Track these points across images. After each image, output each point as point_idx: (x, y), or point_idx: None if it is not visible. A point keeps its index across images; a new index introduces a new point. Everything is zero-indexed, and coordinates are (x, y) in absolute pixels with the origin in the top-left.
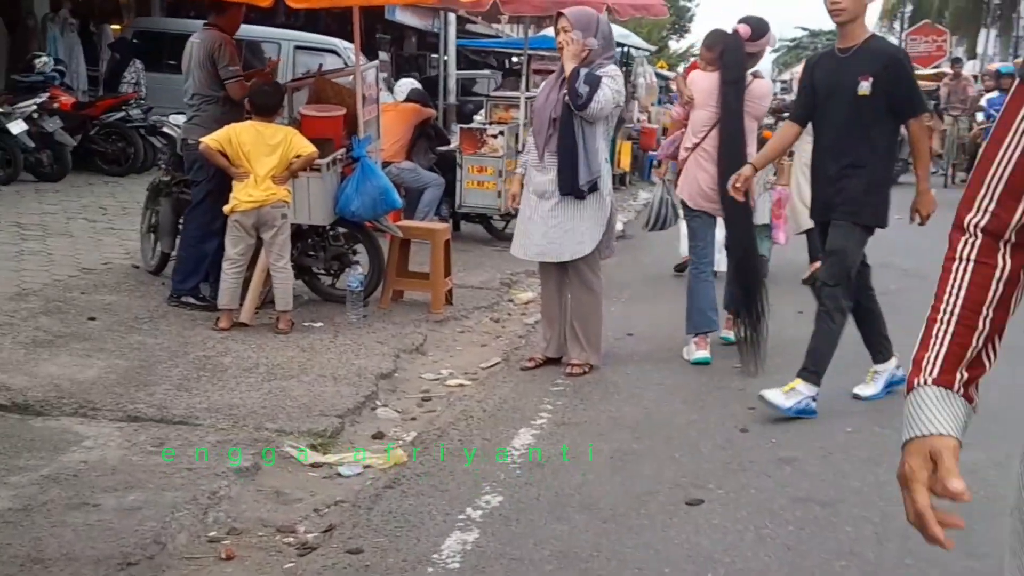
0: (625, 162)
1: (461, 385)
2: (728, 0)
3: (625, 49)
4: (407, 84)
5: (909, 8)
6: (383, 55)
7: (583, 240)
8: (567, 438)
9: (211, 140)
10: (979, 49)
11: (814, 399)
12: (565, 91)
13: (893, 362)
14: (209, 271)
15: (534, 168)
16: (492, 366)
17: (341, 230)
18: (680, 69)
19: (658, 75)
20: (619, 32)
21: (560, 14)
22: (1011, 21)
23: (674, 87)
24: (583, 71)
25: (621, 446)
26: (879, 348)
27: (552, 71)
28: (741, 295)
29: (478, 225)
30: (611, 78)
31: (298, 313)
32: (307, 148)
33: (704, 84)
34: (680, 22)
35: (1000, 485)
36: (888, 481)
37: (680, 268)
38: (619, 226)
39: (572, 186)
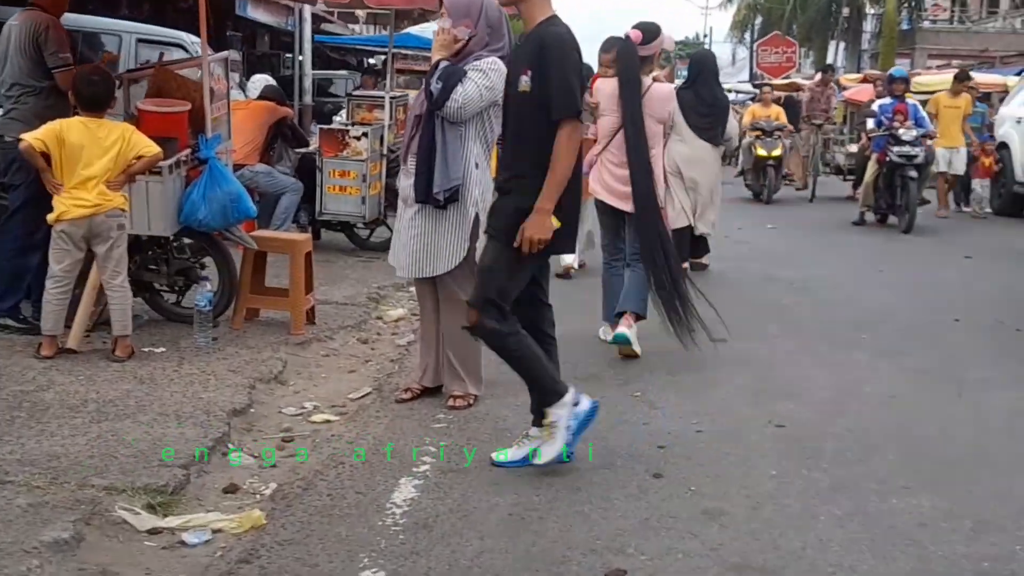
0: (493, 169)
1: (328, 421)
2: (580, 9)
3: None
4: (261, 80)
5: (759, 20)
6: (234, 53)
7: (441, 256)
8: (456, 490)
9: (34, 138)
10: (828, 60)
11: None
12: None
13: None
14: (32, 288)
15: (403, 171)
16: (362, 397)
17: (187, 241)
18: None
19: None
20: None
21: None
22: (859, 35)
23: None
24: (443, 64)
25: (520, 499)
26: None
27: (416, 71)
28: (665, 291)
29: (340, 234)
30: (482, 72)
31: (137, 336)
32: (150, 148)
33: (607, 90)
34: None
35: (956, 541)
36: (831, 539)
37: (560, 275)
38: None
39: (426, 193)
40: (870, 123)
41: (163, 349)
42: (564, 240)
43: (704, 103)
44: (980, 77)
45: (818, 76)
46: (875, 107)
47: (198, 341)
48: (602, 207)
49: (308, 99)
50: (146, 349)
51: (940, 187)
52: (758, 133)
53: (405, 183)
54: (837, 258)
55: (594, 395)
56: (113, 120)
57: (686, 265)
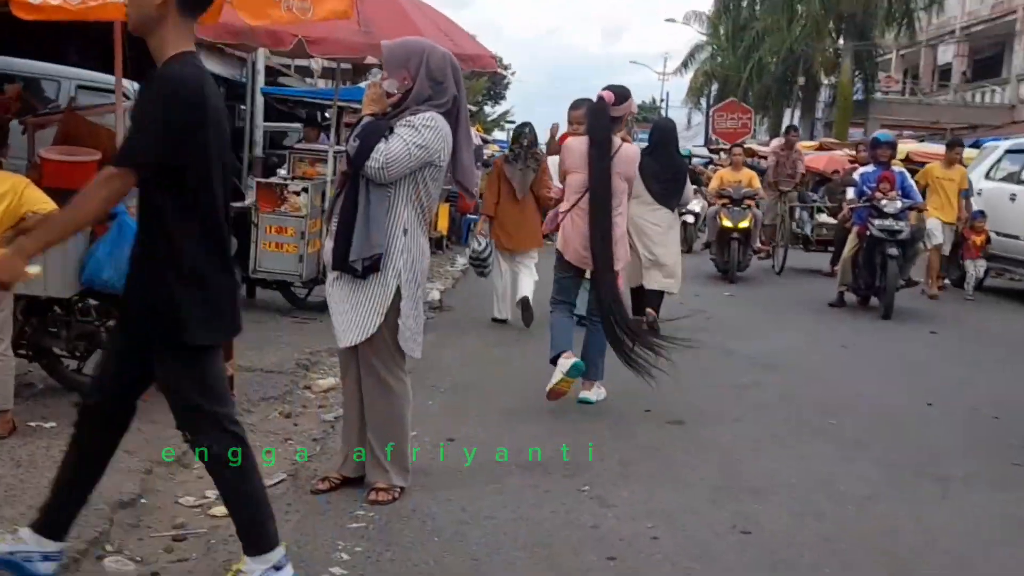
0: (442, 225)
1: (228, 515)
2: (539, 73)
3: None
4: None
5: (715, 86)
6: None
7: (354, 326)
8: None
9: None
10: (783, 125)
11: None
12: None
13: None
14: None
15: (327, 233)
16: (275, 484)
17: (92, 302)
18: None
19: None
20: None
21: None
22: (813, 103)
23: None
24: (366, 120)
25: None
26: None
27: None
28: (613, 339)
29: (277, 292)
30: (412, 128)
31: (26, 408)
32: (44, 204)
33: (579, 148)
34: (496, 88)
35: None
36: None
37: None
38: (435, 295)
39: (342, 260)
40: (850, 193)
41: (53, 424)
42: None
43: (665, 169)
44: (932, 147)
45: (780, 140)
46: (857, 175)
47: None
48: (565, 264)
49: (259, 151)
50: (33, 424)
51: (933, 263)
52: (725, 201)
53: (328, 246)
54: (799, 332)
55: (538, 487)
56: (5, 171)
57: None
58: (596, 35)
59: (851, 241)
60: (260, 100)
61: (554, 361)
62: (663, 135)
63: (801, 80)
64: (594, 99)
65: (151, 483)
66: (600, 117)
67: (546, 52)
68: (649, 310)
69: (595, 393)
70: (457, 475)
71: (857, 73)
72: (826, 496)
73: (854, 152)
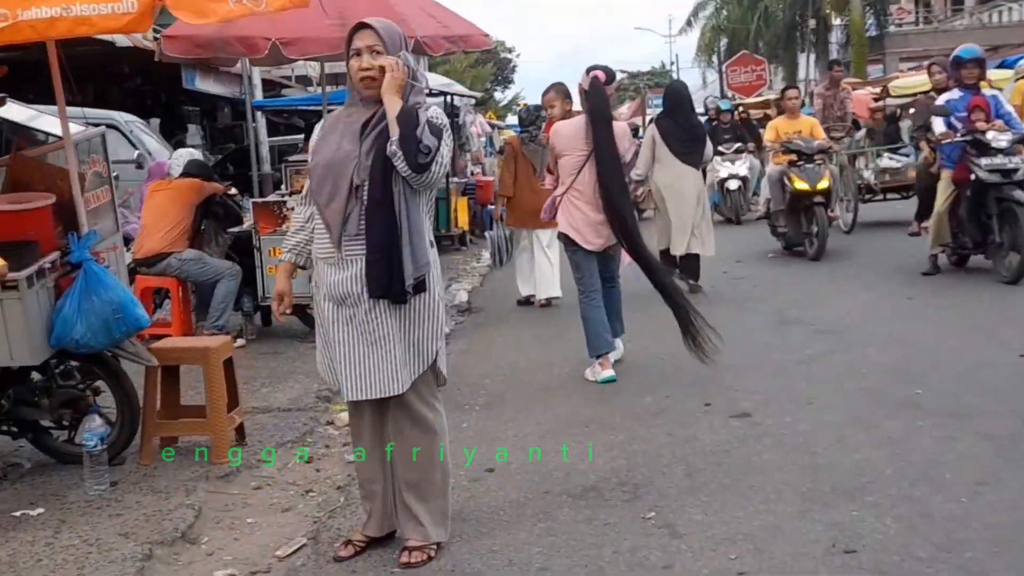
0: (463, 220)
1: None
2: (545, 51)
3: (449, 99)
4: (183, 155)
5: (724, 41)
6: (193, 128)
7: (408, 364)
8: None
9: None
10: (800, 75)
11: None
12: (371, 141)
13: None
14: None
15: (324, 261)
16: (294, 553)
17: (73, 364)
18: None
19: (490, 125)
20: (441, 80)
21: (362, 26)
22: (827, 45)
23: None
24: (421, 114)
25: None
26: None
27: None
28: (678, 306)
29: (293, 317)
30: (445, 126)
31: (14, 493)
32: None
33: (568, 131)
34: (503, 73)
35: None
36: None
37: (522, 302)
38: (463, 296)
39: (389, 286)
40: (938, 124)
41: (41, 510)
42: None
43: (682, 130)
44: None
45: (822, 81)
46: (942, 101)
47: (90, 491)
48: (574, 247)
49: (267, 167)
50: (18, 513)
51: None
52: (791, 158)
53: (338, 276)
54: (863, 291)
55: (595, 520)
56: None
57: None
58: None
59: (944, 189)
60: (260, 116)
61: (594, 356)
62: (677, 96)
63: (812, 23)
64: (581, 81)
65: (152, 570)
66: (600, 95)
67: (550, 32)
68: (682, 278)
69: (617, 352)
70: (500, 515)
71: (868, 8)
72: (931, 488)
73: (878, 91)
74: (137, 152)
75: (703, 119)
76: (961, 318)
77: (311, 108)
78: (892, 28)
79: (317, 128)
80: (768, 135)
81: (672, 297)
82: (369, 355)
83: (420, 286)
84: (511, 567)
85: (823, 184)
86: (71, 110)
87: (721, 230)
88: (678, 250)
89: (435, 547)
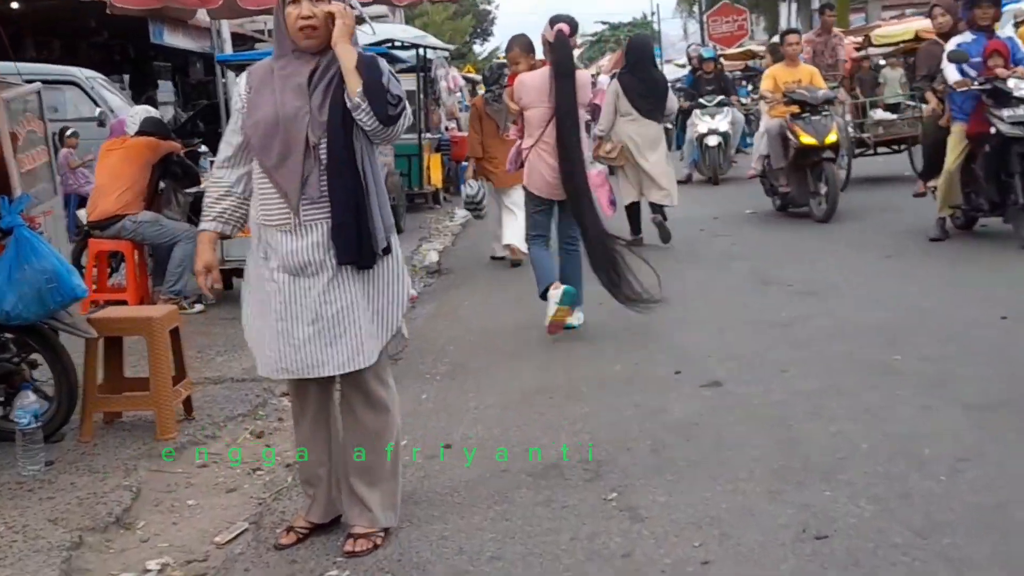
0: (436, 177)
1: None
2: (524, 2)
3: (422, 51)
4: (140, 112)
5: None
6: (164, 84)
7: (374, 334)
8: None
9: None
10: (782, 24)
11: None
12: (321, 94)
13: None
14: None
15: (277, 228)
16: (233, 539)
17: (7, 336)
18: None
19: (467, 79)
20: (414, 33)
21: None
22: None
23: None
24: (382, 62)
25: None
26: None
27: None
28: (606, 270)
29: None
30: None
31: None
32: None
33: (534, 83)
34: (482, 25)
35: None
36: None
37: (496, 258)
38: (433, 256)
39: (359, 251)
40: (951, 72)
41: None
42: None
43: (645, 85)
44: None
45: (814, 29)
46: (953, 45)
47: (23, 471)
48: (536, 199)
49: None
50: None
51: None
52: (794, 109)
53: (297, 243)
54: (849, 251)
55: (553, 502)
56: None
57: (640, 236)
58: None
59: (956, 145)
60: (230, 72)
61: (544, 296)
62: (640, 51)
63: None
64: (545, 32)
65: (80, 560)
66: (565, 48)
67: None
68: (654, 215)
69: (576, 318)
70: (454, 496)
71: None
72: (909, 465)
73: (860, 40)
74: (99, 109)
75: (686, 69)
76: (957, 282)
77: None
78: None
79: (240, 82)
80: (765, 84)
81: (601, 257)
82: (331, 327)
83: (386, 248)
84: (461, 555)
85: (832, 137)
86: (19, 66)
87: (699, 189)
88: (651, 198)
89: (382, 534)
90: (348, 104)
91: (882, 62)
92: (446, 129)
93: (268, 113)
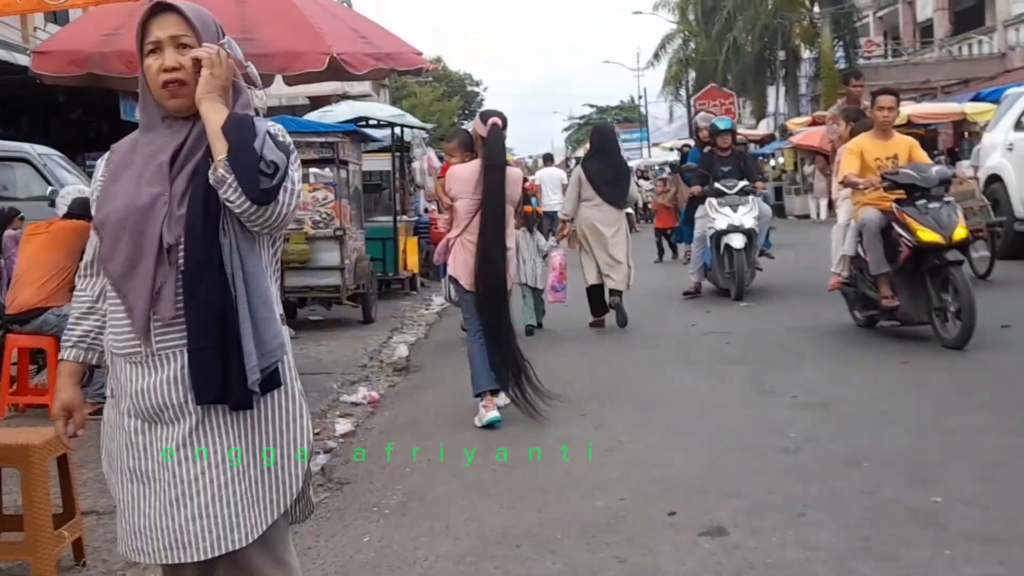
0: (413, 262)
1: None
2: (512, 85)
3: (399, 131)
4: (71, 192)
5: (692, 74)
6: None
7: (258, 499)
8: None
9: None
10: (769, 108)
11: None
12: (187, 178)
13: None
14: None
15: (125, 359)
16: None
17: None
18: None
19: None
20: (391, 111)
21: (161, 7)
22: (796, 79)
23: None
24: (259, 123)
25: None
26: None
27: (313, 159)
28: (501, 362)
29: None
30: (291, 146)
31: None
32: None
33: (463, 175)
34: (469, 107)
35: None
36: None
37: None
38: (402, 351)
39: (225, 387)
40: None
41: None
42: None
43: (610, 171)
44: (931, 107)
45: (802, 112)
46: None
47: None
48: (464, 289)
49: None
50: None
51: None
52: (899, 195)
53: (147, 380)
54: (845, 349)
55: None
56: None
57: (601, 318)
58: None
59: None
60: None
61: (477, 395)
62: (603, 138)
63: (781, 55)
64: (476, 126)
65: None
66: (498, 142)
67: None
68: (613, 298)
69: (501, 399)
70: None
71: (837, 41)
72: None
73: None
74: (50, 188)
75: (674, 154)
76: (981, 396)
77: None
78: (862, 61)
79: (99, 165)
80: (847, 164)
81: (503, 354)
82: (195, 494)
83: (271, 380)
84: None
85: (960, 232)
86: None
87: (716, 303)
88: (611, 284)
89: None
90: (211, 180)
91: None
92: (426, 211)
93: (118, 205)
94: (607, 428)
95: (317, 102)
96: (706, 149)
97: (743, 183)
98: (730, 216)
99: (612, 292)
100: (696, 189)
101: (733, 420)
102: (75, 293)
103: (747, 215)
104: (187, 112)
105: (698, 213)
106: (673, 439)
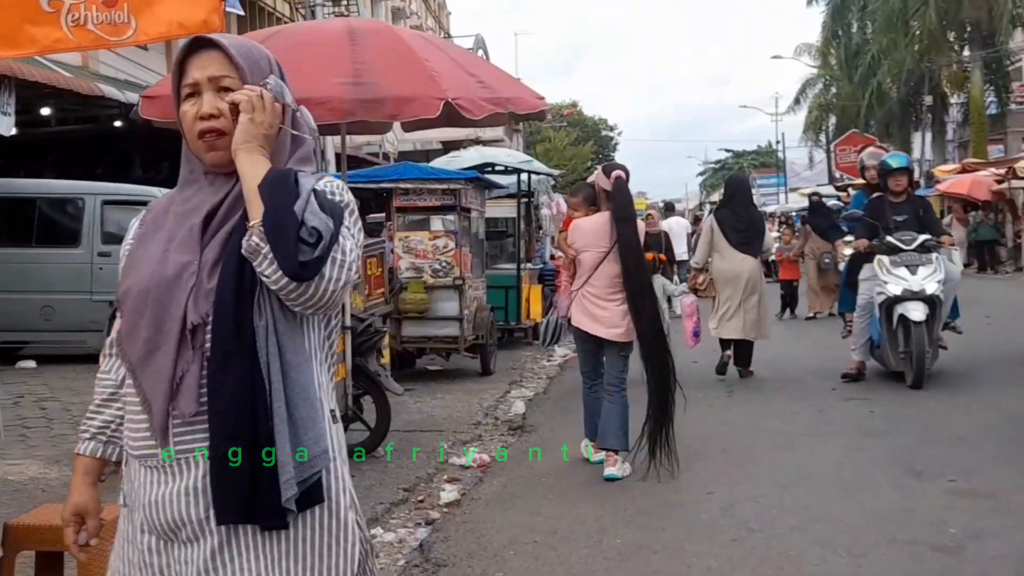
0: (536, 311)
1: None
2: (647, 129)
3: (524, 177)
4: None
5: (833, 120)
6: None
7: None
8: None
9: None
10: (915, 155)
11: None
12: (220, 244)
13: None
14: None
15: (140, 461)
16: None
17: None
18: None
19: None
20: (520, 157)
21: (201, 44)
22: (943, 124)
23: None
24: (303, 180)
25: None
26: None
27: (421, 207)
28: (657, 410)
29: None
30: (350, 206)
31: None
32: None
33: (588, 227)
34: (604, 151)
35: None
36: None
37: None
38: (519, 407)
39: (254, 502)
40: None
41: None
42: None
43: (741, 220)
44: None
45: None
46: None
47: None
48: (582, 335)
49: None
50: None
51: None
52: None
53: (159, 491)
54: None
55: None
56: None
57: (726, 363)
58: (702, 85)
59: None
60: None
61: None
62: (736, 189)
63: (927, 100)
64: (599, 180)
65: None
66: (625, 194)
67: (653, 109)
68: (737, 367)
69: (620, 469)
70: None
71: (988, 85)
72: None
73: (1003, 172)
74: None
75: (819, 192)
76: None
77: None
78: (1014, 106)
79: (132, 225)
80: None
81: (659, 406)
82: None
83: (311, 495)
84: None
85: None
86: (130, 188)
87: (878, 387)
88: (732, 334)
89: None
90: (244, 249)
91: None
92: (551, 258)
93: (142, 276)
94: (736, 511)
95: (449, 147)
96: (875, 195)
97: (924, 237)
98: (907, 280)
99: (738, 356)
100: (862, 243)
101: (876, 505)
102: (98, 376)
103: (929, 278)
104: (229, 167)
105: (863, 274)
106: (806, 527)
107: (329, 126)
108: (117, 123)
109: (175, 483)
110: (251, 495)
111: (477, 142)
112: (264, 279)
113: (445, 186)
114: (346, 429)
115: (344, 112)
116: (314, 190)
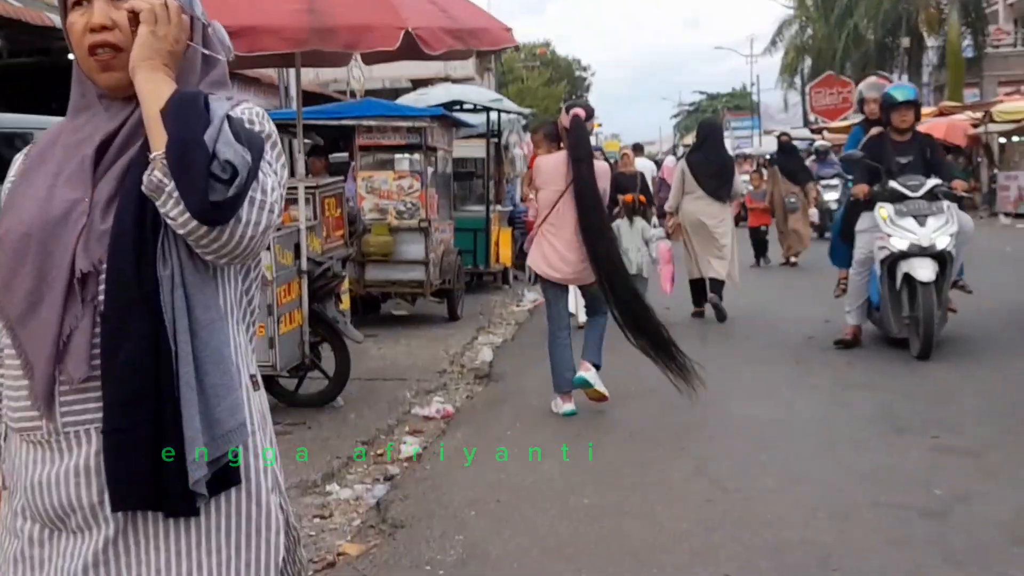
0: (505, 255)
1: None
2: (620, 70)
3: (495, 115)
4: None
5: (808, 62)
6: None
7: None
8: None
9: None
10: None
11: None
12: (116, 179)
13: None
14: None
15: (22, 436)
16: None
17: None
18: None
19: None
20: (488, 96)
21: None
22: (919, 67)
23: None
24: (215, 104)
25: None
26: None
27: (385, 145)
28: (651, 343)
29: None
30: (272, 137)
31: None
32: None
33: (549, 165)
34: (576, 92)
35: None
36: None
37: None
38: (486, 355)
39: (154, 486)
40: None
41: None
42: None
43: (712, 165)
44: None
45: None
46: None
47: None
48: (544, 281)
49: None
50: None
51: None
52: None
53: (44, 471)
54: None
55: None
56: None
57: (701, 309)
58: (675, 26)
59: None
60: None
61: (557, 389)
62: (709, 132)
63: (904, 42)
64: (561, 118)
65: None
66: (581, 133)
67: (625, 50)
68: (712, 294)
69: (592, 377)
70: None
71: (965, 28)
72: None
73: (979, 116)
74: None
75: (790, 133)
76: None
77: (329, 123)
78: (990, 49)
79: (15, 161)
80: None
81: (649, 336)
82: None
83: (227, 476)
84: None
85: None
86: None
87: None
88: (706, 273)
89: None
90: (144, 185)
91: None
92: (523, 199)
93: (22, 217)
94: (710, 470)
95: (419, 85)
96: (874, 130)
97: (933, 182)
98: (914, 232)
99: (712, 285)
100: (862, 189)
101: (858, 465)
102: None
103: (940, 231)
104: (127, 91)
105: (862, 224)
106: (784, 488)
107: (283, 57)
108: (71, 55)
109: (63, 461)
110: (153, 476)
111: (447, 80)
112: (169, 221)
113: (410, 124)
114: (304, 378)
115: (297, 41)
116: (228, 116)
